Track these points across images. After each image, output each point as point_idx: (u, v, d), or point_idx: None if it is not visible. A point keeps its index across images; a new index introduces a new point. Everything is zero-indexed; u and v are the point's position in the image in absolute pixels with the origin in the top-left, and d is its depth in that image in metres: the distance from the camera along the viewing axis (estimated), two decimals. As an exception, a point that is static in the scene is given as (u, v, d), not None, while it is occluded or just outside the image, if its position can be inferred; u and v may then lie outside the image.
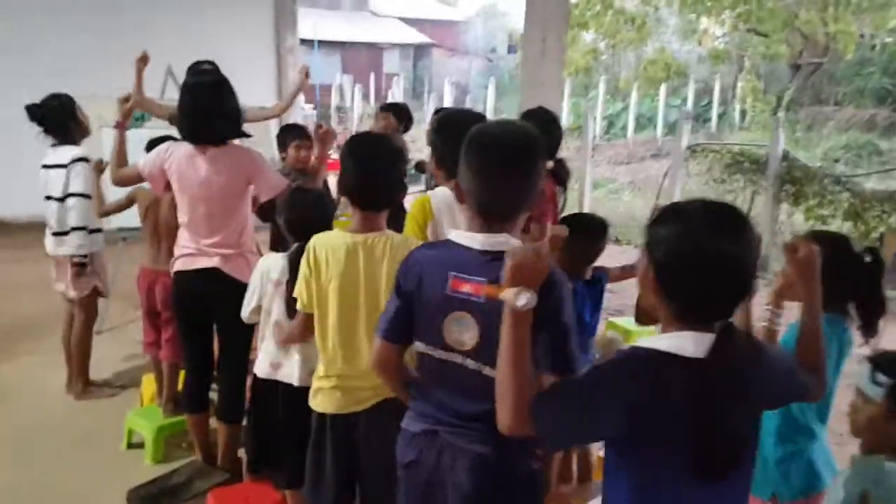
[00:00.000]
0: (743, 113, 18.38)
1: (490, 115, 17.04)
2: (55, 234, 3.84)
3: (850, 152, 13.80)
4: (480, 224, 1.63)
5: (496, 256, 1.52)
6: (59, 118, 3.78)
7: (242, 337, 3.04)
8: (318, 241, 2.15)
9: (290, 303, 2.42)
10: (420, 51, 29.83)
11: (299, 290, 2.20)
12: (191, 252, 2.97)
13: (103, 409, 3.93)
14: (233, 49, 7.60)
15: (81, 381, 4.06)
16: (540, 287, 1.39)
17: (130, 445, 3.57)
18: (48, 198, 3.82)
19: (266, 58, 8.04)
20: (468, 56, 29.44)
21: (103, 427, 3.71)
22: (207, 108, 2.86)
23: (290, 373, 2.59)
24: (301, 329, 2.33)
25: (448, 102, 16.42)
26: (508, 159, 1.59)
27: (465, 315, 1.62)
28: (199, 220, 2.93)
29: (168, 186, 3.02)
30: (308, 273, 2.14)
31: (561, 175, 3.08)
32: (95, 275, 3.95)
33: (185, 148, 2.90)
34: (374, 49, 27.37)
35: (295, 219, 2.63)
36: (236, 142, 3.02)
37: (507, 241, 1.59)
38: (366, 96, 19.79)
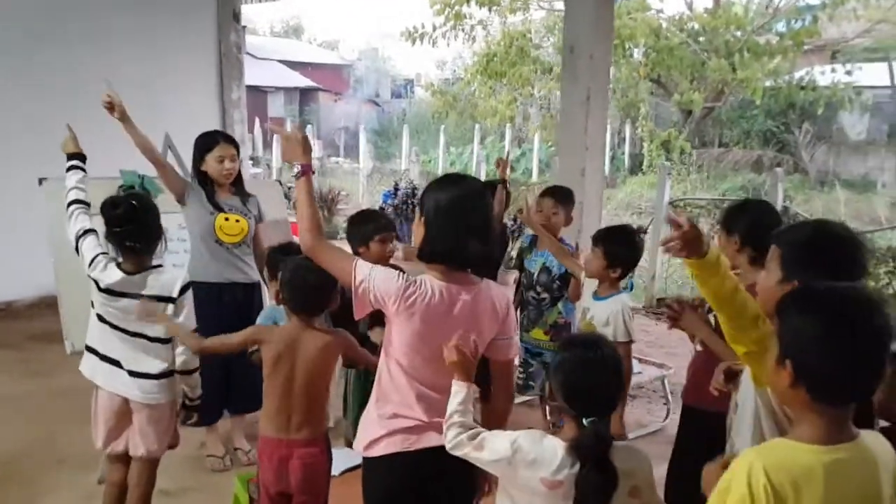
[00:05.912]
0: (633, 157, 19.15)
1: (408, 160, 16.61)
2: (137, 374, 2.78)
3: (749, 192, 14.59)
4: None
5: None
6: (149, 226, 2.75)
7: None
8: (770, 463, 1.36)
9: None
10: (306, 95, 29.02)
11: None
12: (414, 425, 2.17)
13: None
14: (176, 99, 6.73)
15: None
16: None
17: None
18: (124, 331, 2.77)
19: (210, 109, 7.15)
20: (355, 100, 28.96)
21: None
22: (476, 228, 2.14)
23: None
24: None
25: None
26: None
27: None
28: (436, 381, 2.16)
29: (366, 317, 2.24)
30: None
31: None
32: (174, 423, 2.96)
33: (437, 283, 2.15)
34: (258, 93, 26.24)
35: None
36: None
37: None
38: (252, 141, 18.77)
